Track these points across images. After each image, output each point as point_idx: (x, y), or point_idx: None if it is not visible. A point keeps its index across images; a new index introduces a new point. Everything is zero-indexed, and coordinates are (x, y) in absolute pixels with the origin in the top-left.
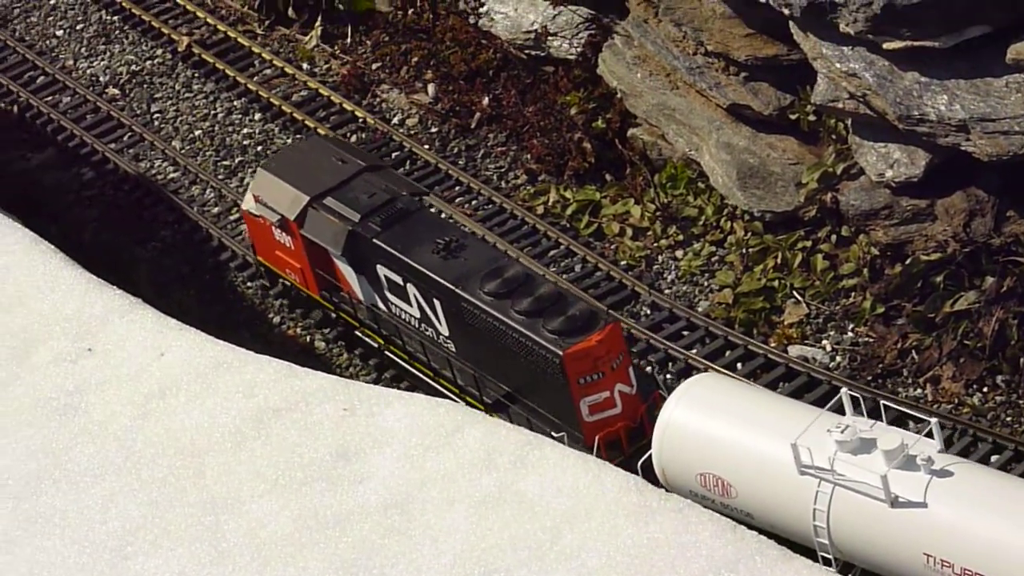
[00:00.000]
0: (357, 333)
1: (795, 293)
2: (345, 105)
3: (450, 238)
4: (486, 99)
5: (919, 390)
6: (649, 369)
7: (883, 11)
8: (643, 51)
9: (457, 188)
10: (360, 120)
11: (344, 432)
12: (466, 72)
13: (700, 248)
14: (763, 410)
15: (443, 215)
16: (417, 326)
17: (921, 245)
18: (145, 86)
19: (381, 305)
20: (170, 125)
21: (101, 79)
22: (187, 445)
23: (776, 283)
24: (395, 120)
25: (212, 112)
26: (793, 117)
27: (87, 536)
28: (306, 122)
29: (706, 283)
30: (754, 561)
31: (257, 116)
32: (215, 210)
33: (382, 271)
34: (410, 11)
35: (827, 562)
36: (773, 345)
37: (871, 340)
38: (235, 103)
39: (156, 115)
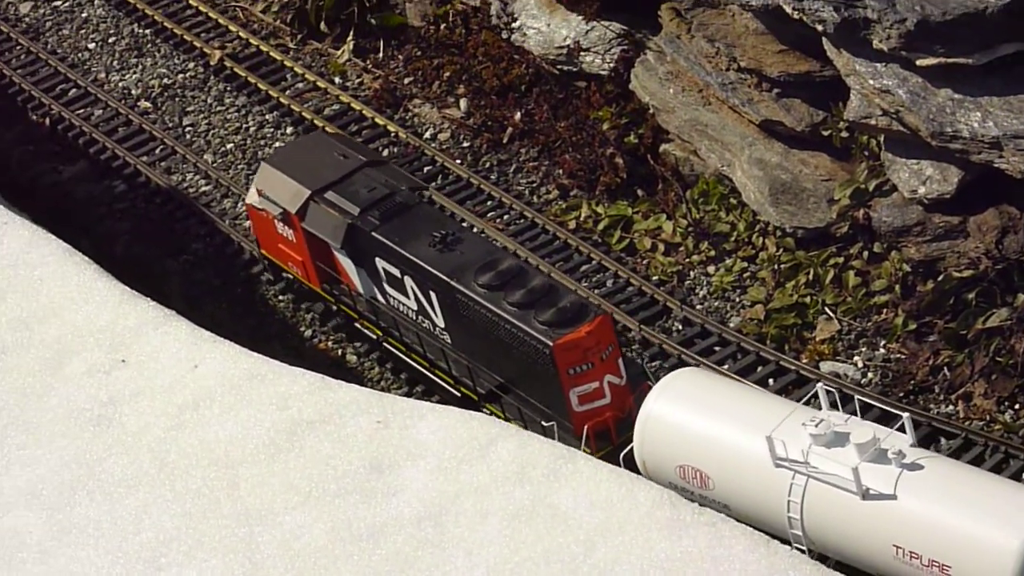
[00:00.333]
0: (356, 325)
1: (827, 309)
2: (377, 119)
3: (447, 231)
4: (518, 114)
5: (951, 407)
6: (640, 362)
7: (917, 28)
8: (676, 67)
9: (489, 203)
10: (392, 134)
11: (378, 444)
12: (498, 87)
13: (732, 264)
14: (741, 404)
15: (477, 231)
16: (414, 318)
17: (953, 262)
18: (177, 99)
19: (380, 297)
20: (202, 138)
21: (133, 92)
22: (221, 457)
23: (808, 299)
24: (427, 135)
25: (244, 125)
26: (826, 133)
27: (121, 547)
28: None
29: (738, 299)
30: None
31: (289, 130)
32: (247, 223)
33: (380, 264)
34: (442, 26)
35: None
36: (805, 361)
37: (903, 357)
38: (267, 117)
39: (188, 128)
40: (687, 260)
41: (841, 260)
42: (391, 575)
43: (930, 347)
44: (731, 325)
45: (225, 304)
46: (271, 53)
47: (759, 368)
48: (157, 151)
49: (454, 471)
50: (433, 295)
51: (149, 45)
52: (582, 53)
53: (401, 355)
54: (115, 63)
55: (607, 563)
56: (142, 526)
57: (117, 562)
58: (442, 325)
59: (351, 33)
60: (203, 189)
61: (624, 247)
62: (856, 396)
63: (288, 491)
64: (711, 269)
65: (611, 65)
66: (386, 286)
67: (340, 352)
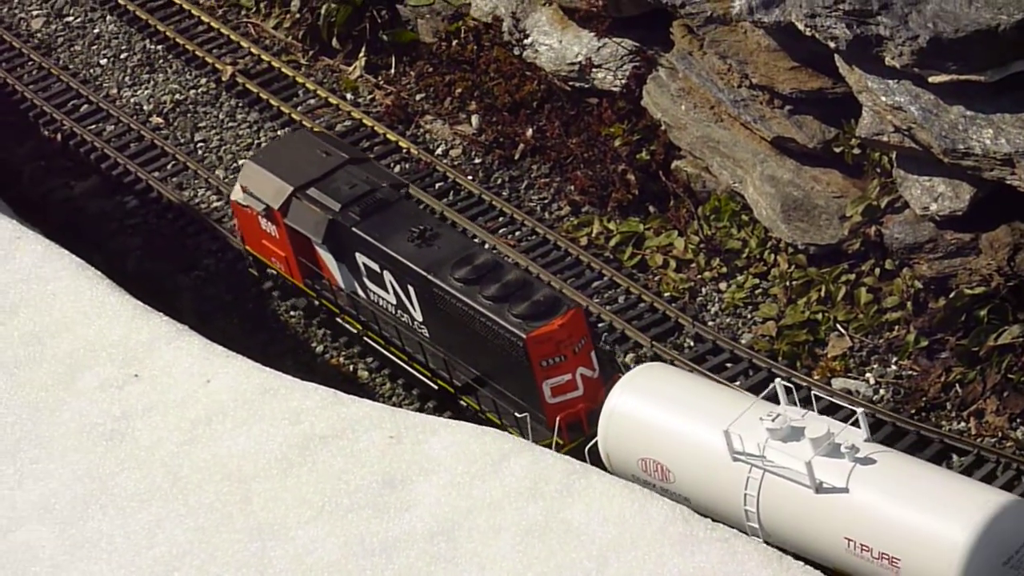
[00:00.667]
0: (338, 320)
1: (839, 326)
2: (389, 135)
3: (425, 227)
4: (530, 130)
5: (963, 424)
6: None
7: (929, 45)
8: (688, 83)
9: (500, 219)
10: (404, 151)
11: (390, 460)
12: (510, 103)
13: (744, 280)
14: (702, 398)
15: (487, 245)
16: (393, 312)
17: (965, 279)
18: (189, 115)
19: (360, 292)
20: (214, 154)
21: (145, 108)
22: (233, 471)
23: (820, 316)
24: (439, 151)
25: (256, 141)
26: (838, 150)
27: (133, 561)
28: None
29: (750, 315)
30: None
31: None
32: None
33: (361, 259)
34: (454, 42)
35: None
36: (817, 378)
37: (915, 373)
38: (279, 133)
39: (200, 144)
40: (699, 276)
41: (853, 277)
42: None
43: (942, 364)
44: (743, 342)
45: (236, 320)
46: (283, 69)
47: (770, 384)
48: (169, 167)
49: (467, 486)
50: (411, 289)
51: (161, 61)
52: (594, 70)
53: (380, 349)
54: (127, 79)
55: None
56: (155, 540)
57: None
58: (420, 319)
59: (363, 49)
60: (215, 205)
61: (636, 263)
62: (813, 391)
63: (301, 506)
64: (723, 286)
65: (623, 82)
66: (366, 281)
67: (352, 368)
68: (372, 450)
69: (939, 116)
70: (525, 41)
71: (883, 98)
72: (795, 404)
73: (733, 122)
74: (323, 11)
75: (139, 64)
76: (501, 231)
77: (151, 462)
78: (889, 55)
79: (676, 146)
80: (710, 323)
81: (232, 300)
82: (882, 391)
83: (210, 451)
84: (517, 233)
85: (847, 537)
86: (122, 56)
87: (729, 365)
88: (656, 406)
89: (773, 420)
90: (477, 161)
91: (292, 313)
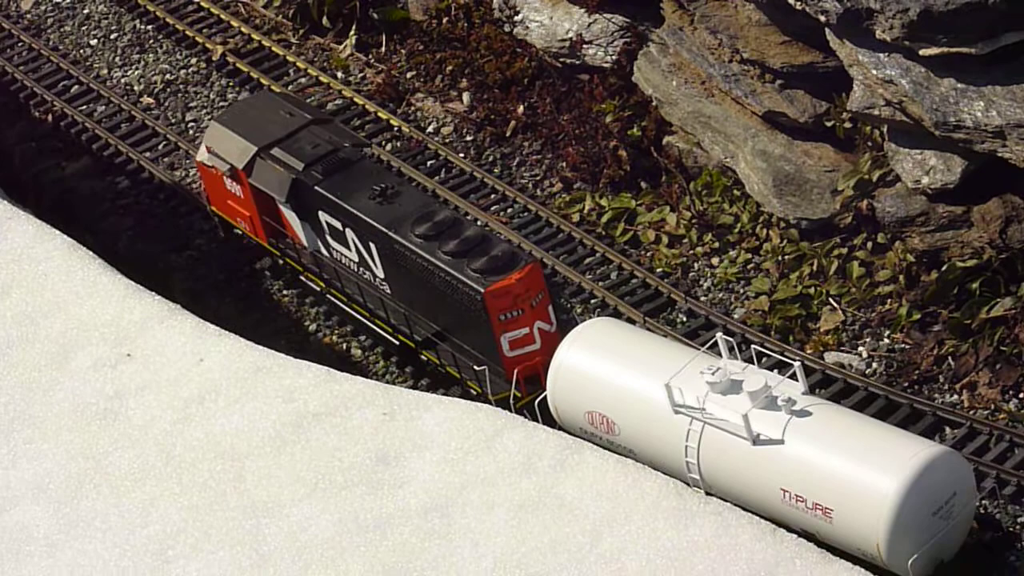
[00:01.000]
0: (301, 278)
1: (831, 300)
2: (380, 114)
3: (386, 185)
4: (521, 107)
5: (955, 396)
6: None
7: (920, 17)
8: (679, 59)
9: (492, 196)
10: (395, 129)
11: (384, 436)
12: (501, 80)
13: (736, 255)
14: (646, 352)
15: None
16: (356, 269)
17: (957, 252)
18: (180, 95)
19: (323, 250)
20: (205, 134)
21: (136, 88)
22: (227, 450)
23: (812, 290)
24: (430, 129)
25: None
26: (829, 124)
27: (128, 540)
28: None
29: (742, 290)
30: (794, 564)
31: None
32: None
33: (323, 217)
34: (444, 20)
35: None
36: (809, 352)
37: (907, 347)
38: None
39: (191, 124)
40: (691, 252)
41: (845, 251)
42: (398, 566)
43: (934, 337)
44: (735, 316)
45: (229, 299)
46: (273, 48)
47: (763, 359)
48: (160, 147)
49: (460, 462)
50: (373, 246)
51: (151, 41)
52: (585, 46)
53: (343, 306)
54: (117, 59)
55: (614, 553)
56: (149, 519)
57: (124, 555)
58: (382, 276)
59: (353, 28)
60: None
61: (628, 239)
62: (752, 345)
63: (295, 483)
64: (715, 261)
65: (614, 58)
66: (329, 239)
67: (345, 346)
68: (366, 427)
69: (930, 89)
70: (515, 18)
71: (874, 71)
72: (736, 358)
73: (724, 97)
74: None
75: (129, 44)
76: (493, 208)
77: (145, 441)
78: (880, 28)
79: (667, 122)
80: (703, 298)
81: (224, 280)
82: (875, 364)
83: (203, 430)
84: (509, 210)
85: (783, 488)
86: (112, 37)
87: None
88: (602, 360)
89: (713, 374)
90: (468, 138)
91: (285, 293)
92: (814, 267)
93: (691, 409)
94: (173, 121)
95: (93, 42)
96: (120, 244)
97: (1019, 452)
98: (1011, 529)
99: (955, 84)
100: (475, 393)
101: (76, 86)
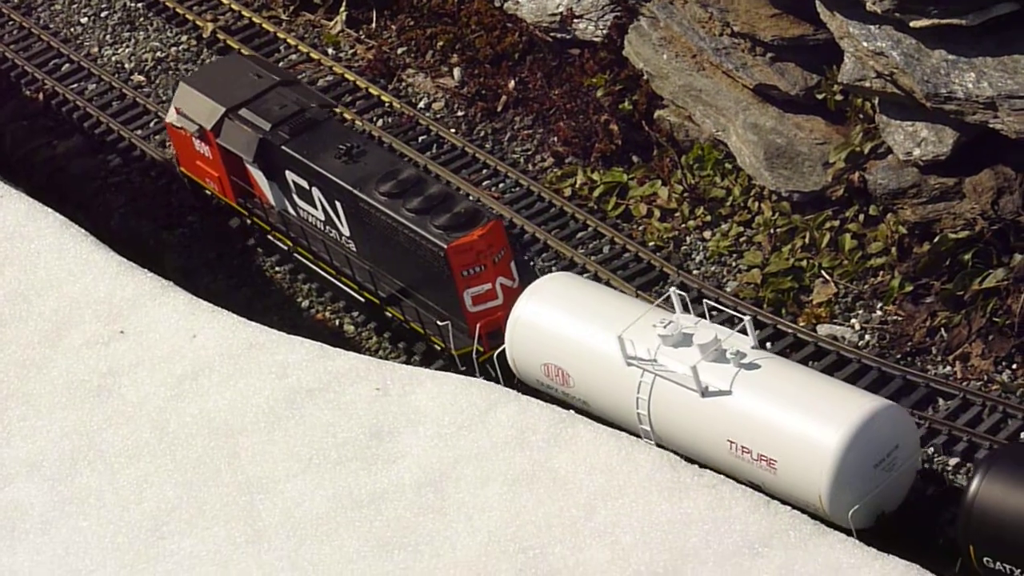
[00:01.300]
0: (269, 237)
1: (823, 273)
2: (371, 90)
3: (352, 144)
4: (512, 82)
5: (948, 368)
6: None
7: None
8: (669, 32)
9: (484, 171)
10: (386, 105)
11: (377, 412)
12: (492, 56)
13: (728, 229)
14: (601, 305)
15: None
16: (322, 228)
17: (949, 223)
18: (170, 72)
19: (290, 209)
20: None
21: (126, 66)
22: (221, 426)
23: (804, 263)
24: (421, 104)
25: None
26: (820, 97)
27: (122, 517)
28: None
29: (734, 263)
30: (788, 536)
31: None
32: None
33: (290, 176)
34: None
35: None
36: (802, 324)
37: (900, 318)
38: None
39: None
40: (683, 226)
41: (837, 223)
42: (393, 541)
43: (927, 308)
44: (728, 290)
45: (221, 276)
46: (264, 25)
47: (756, 332)
48: (151, 124)
49: (454, 437)
50: (339, 205)
51: (141, 19)
52: (575, 20)
53: (310, 264)
54: (108, 37)
55: (608, 526)
56: (143, 496)
57: (119, 532)
58: (347, 234)
59: (344, 4)
60: None
61: (620, 213)
62: (704, 300)
63: (288, 459)
64: (707, 234)
65: (604, 32)
66: (296, 198)
67: (338, 322)
68: (359, 403)
69: (921, 61)
70: None
71: (865, 43)
72: (689, 312)
73: (715, 70)
74: None
75: (120, 22)
76: (485, 183)
77: (138, 418)
78: (870, 0)
79: (659, 95)
80: (695, 272)
81: (216, 257)
82: (867, 336)
83: (197, 406)
84: (501, 185)
85: (730, 439)
86: (103, 15)
87: (714, 314)
88: (558, 313)
89: (665, 327)
90: (460, 114)
91: (277, 270)
92: (806, 240)
93: (643, 361)
94: (164, 99)
95: (84, 20)
96: (112, 222)
97: (1012, 423)
98: (953, 483)
99: (946, 56)
100: (439, 348)
101: (67, 64)
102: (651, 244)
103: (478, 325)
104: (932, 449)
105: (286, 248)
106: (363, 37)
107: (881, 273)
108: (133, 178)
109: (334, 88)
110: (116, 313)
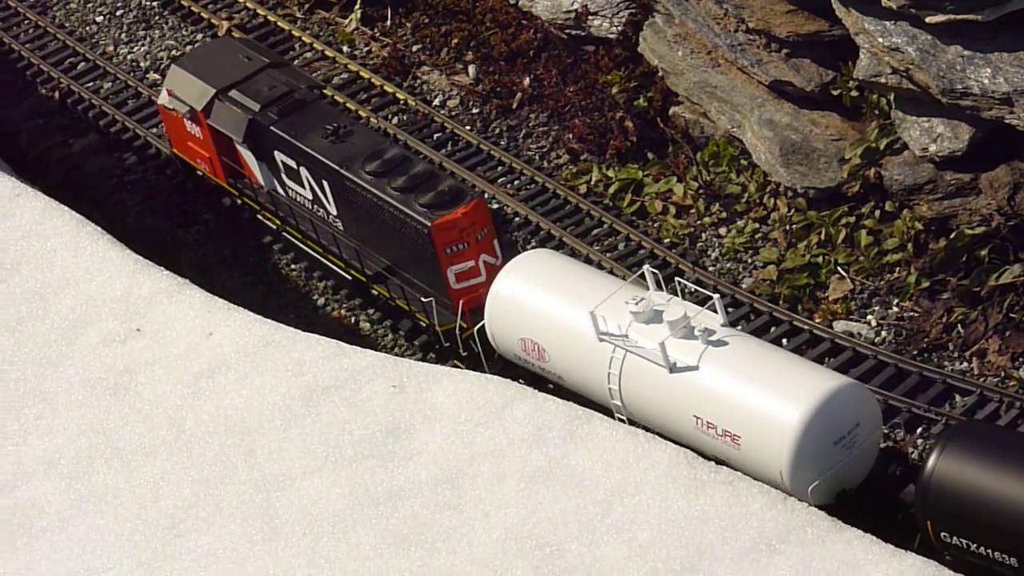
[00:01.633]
0: (259, 216)
1: (839, 269)
2: (386, 87)
3: (339, 124)
4: (527, 79)
5: (965, 364)
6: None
7: None
8: (684, 29)
9: (499, 168)
10: (401, 102)
11: (393, 409)
12: (506, 53)
13: (744, 225)
14: (577, 282)
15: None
16: (310, 207)
17: (965, 219)
18: None
19: (279, 189)
20: None
21: (142, 64)
22: (237, 423)
23: (820, 259)
24: (436, 101)
25: None
26: (835, 93)
27: (139, 514)
28: (347, 104)
29: (750, 260)
30: (804, 532)
31: None
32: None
33: (279, 156)
34: None
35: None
36: (818, 321)
37: (916, 315)
38: None
39: None
40: (698, 222)
41: (853, 219)
42: (409, 538)
43: (943, 304)
44: (744, 286)
45: (237, 274)
46: (278, 23)
47: (772, 328)
48: None
49: (470, 434)
50: (326, 184)
51: (157, 17)
52: (590, 17)
53: (298, 243)
54: (123, 36)
55: (625, 523)
56: (160, 493)
57: (136, 529)
58: (334, 213)
59: (358, 2)
60: None
61: (635, 210)
62: (677, 279)
63: (305, 456)
64: (723, 231)
65: (619, 29)
66: (284, 177)
67: (353, 320)
68: (375, 400)
69: (937, 56)
70: None
71: (880, 39)
72: (662, 290)
73: (730, 67)
74: None
75: (135, 21)
76: (500, 180)
77: (155, 416)
78: None
79: (673, 92)
80: (710, 268)
81: (232, 254)
82: (884, 333)
83: (214, 404)
84: (516, 182)
85: (695, 415)
86: (118, 13)
87: (730, 310)
88: (535, 289)
89: (637, 304)
90: (475, 111)
91: (293, 267)
92: (822, 236)
93: (614, 337)
94: None
95: (99, 19)
96: (128, 220)
97: None
98: (915, 462)
99: (962, 51)
100: (423, 324)
101: (82, 63)
102: (666, 241)
103: (461, 302)
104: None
105: (275, 227)
106: (378, 35)
107: (897, 269)
108: (149, 176)
109: (349, 85)
110: (132, 311)
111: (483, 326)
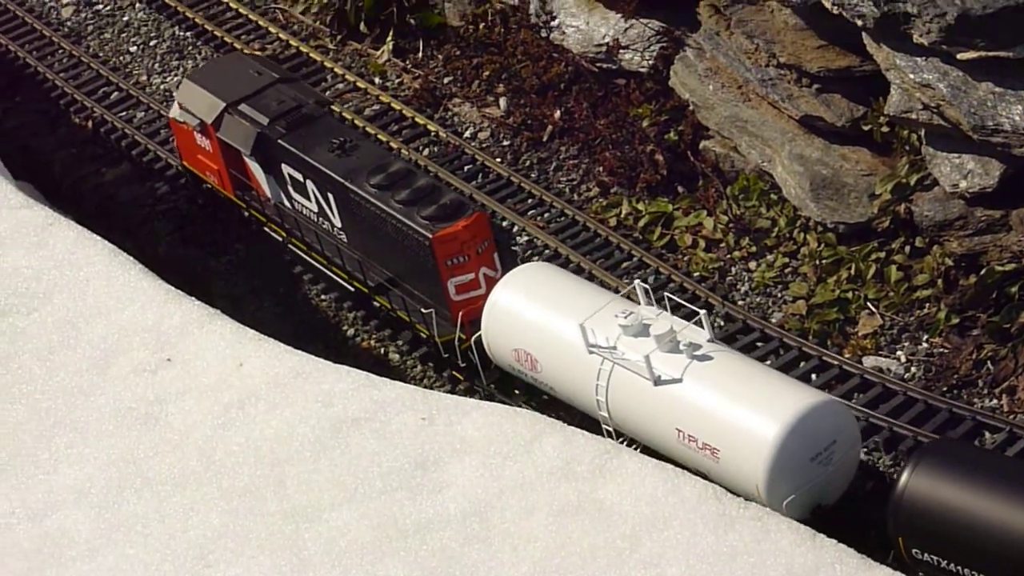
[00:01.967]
0: (265, 229)
1: (869, 304)
2: (417, 119)
3: (345, 139)
4: (558, 112)
5: (995, 401)
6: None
7: (957, 22)
8: (715, 63)
9: (529, 201)
10: (432, 134)
11: (423, 441)
12: (537, 85)
13: (773, 259)
14: (569, 295)
15: (514, 227)
16: (315, 219)
17: (996, 256)
18: None
19: (285, 201)
20: None
21: (175, 94)
22: (267, 454)
23: (850, 294)
24: (467, 133)
25: None
26: (866, 128)
27: (168, 545)
28: (379, 136)
29: (779, 294)
30: (834, 569)
31: None
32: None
33: (286, 169)
34: (481, 25)
35: (610, 435)
36: (847, 356)
37: (946, 351)
38: None
39: None
40: (728, 256)
41: (883, 255)
42: (438, 571)
43: (973, 341)
44: (773, 320)
45: (267, 304)
46: (311, 54)
47: (801, 363)
48: None
49: (499, 467)
50: (331, 196)
51: (190, 47)
52: (621, 51)
53: (303, 255)
54: (156, 66)
55: (653, 558)
56: (190, 524)
57: (165, 559)
58: (339, 225)
59: (390, 33)
60: None
61: (665, 244)
62: (665, 293)
63: (334, 488)
64: (752, 265)
65: (650, 62)
66: (291, 190)
67: (383, 351)
68: (404, 432)
69: (968, 93)
70: (552, 23)
71: (911, 75)
72: (652, 304)
73: (761, 101)
74: None
75: (168, 51)
76: (530, 213)
77: (185, 446)
78: (917, 32)
79: (704, 126)
80: (740, 302)
81: (262, 285)
82: (913, 369)
83: (243, 434)
84: (546, 215)
85: (678, 428)
86: (151, 43)
87: (760, 344)
88: (529, 300)
89: (626, 317)
90: (505, 143)
91: (323, 298)
92: (852, 271)
93: (603, 349)
94: None
95: (133, 49)
96: (160, 249)
97: None
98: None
99: (993, 88)
100: (424, 336)
101: (116, 92)
102: (696, 274)
103: (461, 313)
104: None
105: (280, 239)
106: (409, 67)
107: (927, 305)
108: (180, 205)
109: (380, 117)
110: (164, 341)
111: (478, 337)
